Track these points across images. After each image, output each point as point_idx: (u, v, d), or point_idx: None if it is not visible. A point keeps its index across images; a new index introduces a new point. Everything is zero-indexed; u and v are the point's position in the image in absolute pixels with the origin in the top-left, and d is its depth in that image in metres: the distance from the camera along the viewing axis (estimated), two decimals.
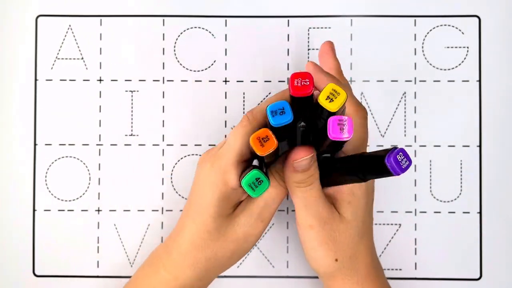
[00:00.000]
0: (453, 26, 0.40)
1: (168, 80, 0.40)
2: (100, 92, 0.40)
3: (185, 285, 0.33)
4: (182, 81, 0.40)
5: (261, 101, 0.40)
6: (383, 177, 0.25)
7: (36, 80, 0.40)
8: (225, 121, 0.40)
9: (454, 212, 0.40)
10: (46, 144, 0.40)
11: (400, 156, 0.23)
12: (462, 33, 0.40)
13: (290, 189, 0.30)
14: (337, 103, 0.25)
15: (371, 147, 0.40)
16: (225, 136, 0.40)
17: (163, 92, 0.40)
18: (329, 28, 0.40)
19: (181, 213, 0.35)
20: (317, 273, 0.34)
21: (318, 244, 0.31)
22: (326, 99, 0.25)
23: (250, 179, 0.26)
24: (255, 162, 0.33)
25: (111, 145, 0.40)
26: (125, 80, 0.40)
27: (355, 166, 0.27)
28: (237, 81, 0.40)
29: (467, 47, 0.40)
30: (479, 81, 0.40)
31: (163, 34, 0.40)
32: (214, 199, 0.30)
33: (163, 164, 0.40)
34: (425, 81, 0.40)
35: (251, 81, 0.40)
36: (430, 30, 0.40)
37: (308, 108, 0.27)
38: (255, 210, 0.31)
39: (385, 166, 0.23)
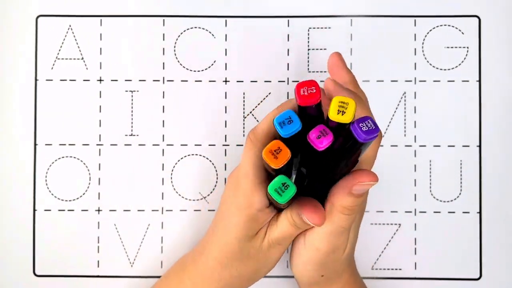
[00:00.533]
0: (453, 26, 0.40)
1: (168, 80, 0.40)
2: (100, 92, 0.40)
3: None
4: (182, 81, 0.40)
5: (261, 102, 0.40)
6: (354, 151, 0.25)
7: (36, 80, 0.40)
8: (225, 121, 0.40)
9: (454, 212, 0.40)
10: (46, 144, 0.40)
11: (364, 125, 0.24)
12: (462, 33, 0.40)
13: (329, 212, 0.29)
14: (350, 113, 0.24)
15: None
16: (225, 136, 0.40)
17: (163, 92, 0.40)
18: (329, 28, 0.40)
19: (208, 229, 0.35)
20: (297, 280, 0.36)
21: (315, 264, 0.32)
22: (337, 114, 0.24)
23: (276, 184, 0.25)
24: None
25: (111, 145, 0.40)
26: (125, 80, 0.40)
27: (339, 157, 0.27)
28: (237, 81, 0.40)
29: (467, 47, 0.40)
30: (479, 81, 0.40)
31: (163, 34, 0.40)
32: (240, 222, 0.30)
33: (163, 164, 0.40)
34: (425, 81, 0.40)
35: (251, 81, 0.40)
36: (430, 30, 0.40)
37: (318, 116, 0.27)
38: (275, 237, 0.31)
39: (350, 134, 0.24)
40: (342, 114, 0.24)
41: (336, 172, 0.28)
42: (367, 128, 0.24)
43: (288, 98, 0.40)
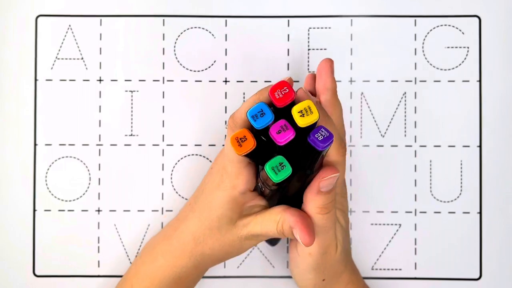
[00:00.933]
0: (453, 26, 0.40)
1: (168, 80, 0.40)
2: (100, 92, 0.40)
3: (183, 272, 0.34)
4: (182, 81, 0.40)
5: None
6: (315, 159, 0.27)
7: (36, 80, 0.40)
8: (225, 121, 0.40)
9: (454, 212, 0.40)
10: (46, 144, 0.40)
11: (319, 135, 0.26)
12: (462, 33, 0.40)
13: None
14: (305, 121, 0.26)
15: (371, 147, 0.40)
16: (225, 136, 0.40)
17: (163, 92, 0.40)
18: (329, 28, 0.40)
19: (184, 206, 0.36)
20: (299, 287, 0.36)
21: (312, 269, 0.33)
22: (298, 112, 0.26)
23: (273, 162, 0.26)
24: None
25: (111, 145, 0.40)
26: (125, 80, 0.40)
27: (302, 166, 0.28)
28: (237, 81, 0.40)
29: (467, 47, 0.40)
30: (479, 81, 0.40)
31: (163, 34, 0.40)
32: (224, 201, 0.31)
33: (163, 164, 0.40)
34: (425, 81, 0.40)
35: (251, 81, 0.40)
36: (430, 30, 0.40)
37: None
38: (256, 232, 0.32)
39: (309, 145, 0.26)
40: (301, 116, 0.26)
41: (306, 179, 0.29)
42: (322, 137, 0.26)
43: None
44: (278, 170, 0.26)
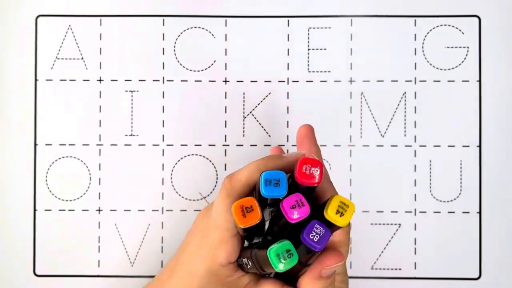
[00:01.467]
0: (453, 26, 0.40)
1: (168, 80, 0.40)
2: (100, 92, 0.40)
3: None
4: (182, 81, 0.40)
5: (261, 102, 0.40)
6: (312, 256, 0.25)
7: (36, 80, 0.40)
8: (225, 121, 0.40)
9: (453, 212, 0.40)
10: (46, 144, 0.40)
11: (313, 234, 0.23)
12: (462, 33, 0.40)
13: None
14: (347, 218, 0.23)
15: (371, 147, 0.40)
16: (225, 136, 0.40)
17: (163, 92, 0.40)
18: (329, 28, 0.40)
19: (167, 264, 0.34)
20: None
21: None
22: (336, 214, 0.23)
23: (279, 249, 0.22)
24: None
25: (111, 145, 0.40)
26: (125, 80, 0.40)
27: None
28: (237, 81, 0.40)
29: (467, 47, 0.40)
30: (479, 81, 0.40)
31: (163, 34, 0.40)
32: (202, 274, 0.29)
33: (163, 164, 0.40)
34: (425, 81, 0.40)
35: (251, 81, 0.40)
36: (430, 30, 0.40)
37: (311, 197, 0.25)
38: None
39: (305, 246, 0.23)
40: (341, 216, 0.23)
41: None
42: (318, 237, 0.23)
43: (288, 98, 0.40)
44: (284, 258, 0.22)
